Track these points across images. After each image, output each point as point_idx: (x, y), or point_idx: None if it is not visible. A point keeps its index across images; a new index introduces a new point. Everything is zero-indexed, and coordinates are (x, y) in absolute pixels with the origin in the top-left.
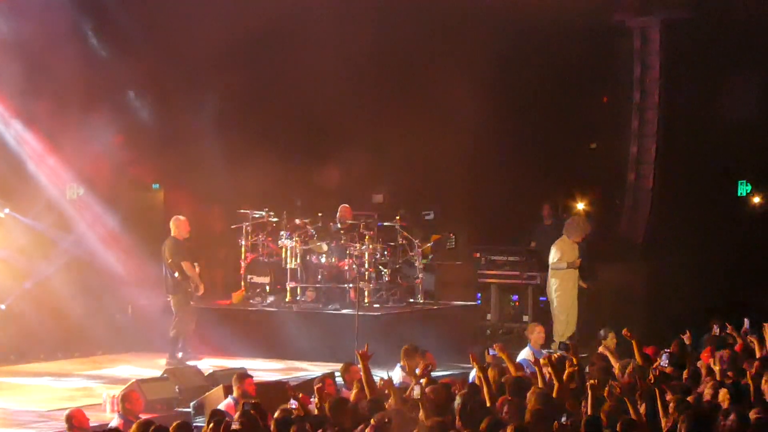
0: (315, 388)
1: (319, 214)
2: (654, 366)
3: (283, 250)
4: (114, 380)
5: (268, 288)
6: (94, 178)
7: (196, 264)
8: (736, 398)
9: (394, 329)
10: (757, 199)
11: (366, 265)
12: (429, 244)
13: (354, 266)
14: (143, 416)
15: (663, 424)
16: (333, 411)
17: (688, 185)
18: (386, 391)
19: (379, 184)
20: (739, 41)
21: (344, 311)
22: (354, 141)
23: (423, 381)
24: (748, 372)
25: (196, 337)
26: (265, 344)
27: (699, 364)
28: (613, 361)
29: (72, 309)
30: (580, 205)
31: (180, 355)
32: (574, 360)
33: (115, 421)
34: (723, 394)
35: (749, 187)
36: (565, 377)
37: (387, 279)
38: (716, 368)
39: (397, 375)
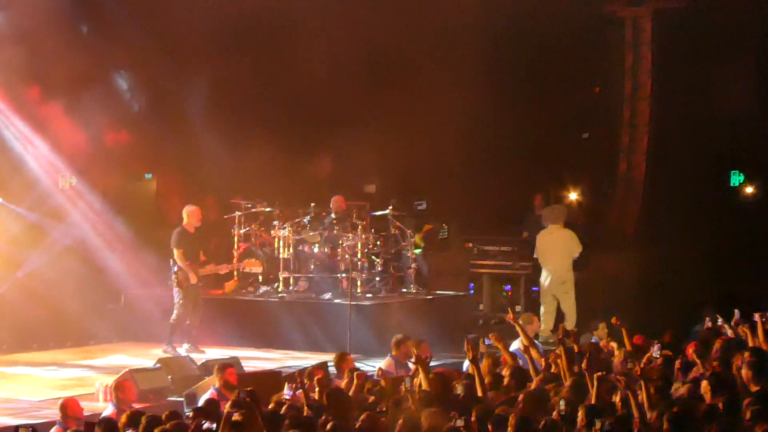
0: (315, 379)
1: (312, 204)
2: (646, 356)
3: (276, 239)
4: (107, 370)
5: (260, 278)
6: (86, 168)
7: (201, 252)
8: (720, 389)
9: (386, 319)
10: (749, 189)
11: (358, 255)
12: (421, 234)
13: (346, 256)
14: (136, 405)
15: (648, 417)
16: (330, 401)
17: (681, 175)
18: (381, 382)
19: (371, 174)
20: (732, 31)
21: (337, 301)
22: (346, 131)
23: (420, 371)
24: (734, 364)
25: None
26: (258, 334)
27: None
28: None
29: (64, 299)
30: (572, 195)
31: (186, 346)
32: (576, 348)
33: (108, 411)
34: (704, 386)
35: (742, 177)
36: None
37: (379, 269)
38: (698, 362)
39: (388, 366)
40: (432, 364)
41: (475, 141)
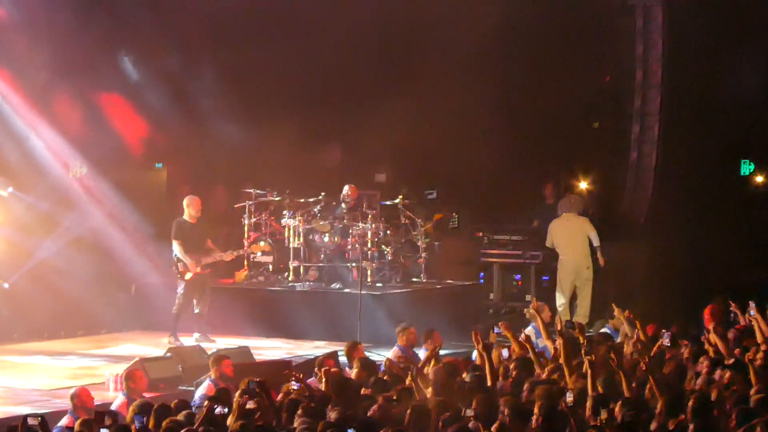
0: (322, 370)
1: (322, 194)
2: (656, 345)
3: (286, 229)
4: (117, 359)
5: (271, 267)
6: (97, 157)
7: (208, 240)
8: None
9: (396, 308)
10: (760, 178)
11: (369, 245)
12: (431, 223)
13: (357, 245)
14: (147, 395)
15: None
16: (337, 390)
17: (691, 164)
18: (391, 371)
19: (381, 164)
20: (742, 19)
21: (347, 290)
22: (357, 120)
23: (432, 361)
24: (746, 354)
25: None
26: (268, 323)
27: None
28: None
29: (75, 288)
30: (583, 184)
31: (196, 335)
32: (581, 339)
33: (118, 400)
34: (720, 374)
35: (752, 166)
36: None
37: (389, 258)
38: (716, 341)
39: (394, 355)
40: (442, 352)
41: (485, 130)
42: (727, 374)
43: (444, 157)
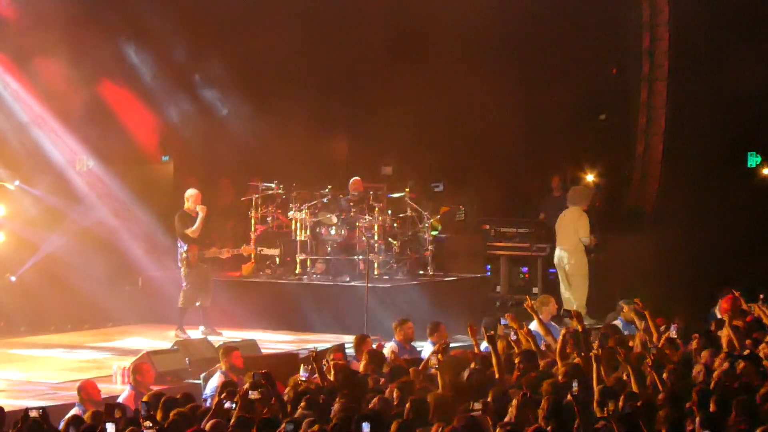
0: (325, 362)
1: (329, 186)
2: (663, 337)
3: (293, 222)
4: (124, 352)
5: (277, 260)
6: (104, 151)
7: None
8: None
9: (403, 301)
10: (766, 170)
11: (375, 237)
12: (438, 216)
13: (363, 238)
14: (153, 388)
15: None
16: (344, 382)
17: (698, 156)
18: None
19: (388, 156)
20: (749, 11)
21: (354, 283)
22: (363, 113)
23: (439, 354)
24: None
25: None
26: (275, 316)
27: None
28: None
29: (82, 281)
30: (589, 177)
31: (202, 328)
32: (580, 328)
33: (125, 393)
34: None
35: (759, 159)
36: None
37: (396, 251)
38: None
39: (391, 350)
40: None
41: (491, 122)
42: (741, 365)
43: (450, 150)
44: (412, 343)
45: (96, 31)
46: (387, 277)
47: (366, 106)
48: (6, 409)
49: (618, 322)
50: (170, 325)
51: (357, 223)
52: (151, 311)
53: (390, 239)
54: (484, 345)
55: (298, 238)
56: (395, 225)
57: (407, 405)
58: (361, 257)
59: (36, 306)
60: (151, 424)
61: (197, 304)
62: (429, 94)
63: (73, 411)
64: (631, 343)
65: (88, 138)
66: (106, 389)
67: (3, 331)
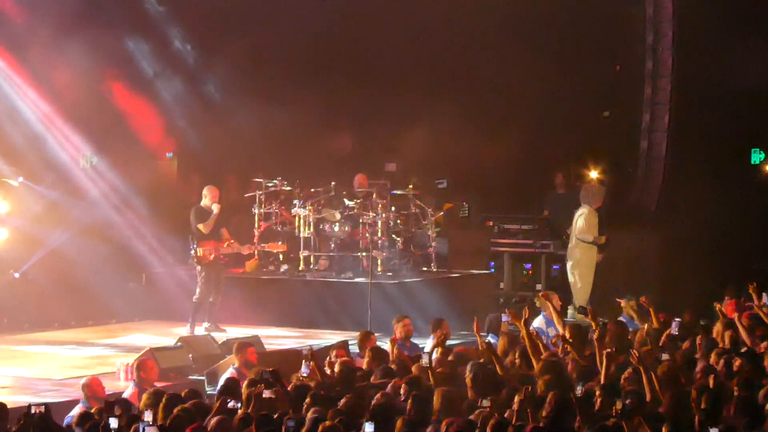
0: (326, 361)
1: (333, 183)
2: (665, 334)
3: (297, 218)
4: (128, 348)
5: (281, 257)
6: (107, 147)
7: (224, 230)
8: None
9: (406, 298)
10: None
11: (379, 234)
12: (442, 213)
13: (367, 235)
14: (157, 384)
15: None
16: (344, 379)
17: (702, 153)
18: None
19: (391, 153)
20: (753, 8)
21: (357, 280)
22: (367, 109)
23: (438, 350)
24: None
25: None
26: (279, 313)
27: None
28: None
29: (86, 277)
30: (593, 174)
31: (206, 324)
32: (593, 324)
33: (129, 390)
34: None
35: (762, 155)
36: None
37: (400, 247)
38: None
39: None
40: (453, 342)
41: (495, 118)
42: (738, 362)
43: (454, 147)
44: (417, 340)
45: (100, 27)
46: (390, 273)
47: (370, 103)
48: (9, 406)
49: (622, 319)
50: (174, 322)
51: (360, 220)
52: (154, 308)
53: (393, 236)
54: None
55: (301, 235)
56: (399, 221)
57: (410, 402)
58: (364, 254)
59: (39, 302)
60: (151, 420)
61: (210, 299)
62: (433, 91)
63: (78, 408)
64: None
65: (91, 134)
66: (109, 386)
67: (6, 327)
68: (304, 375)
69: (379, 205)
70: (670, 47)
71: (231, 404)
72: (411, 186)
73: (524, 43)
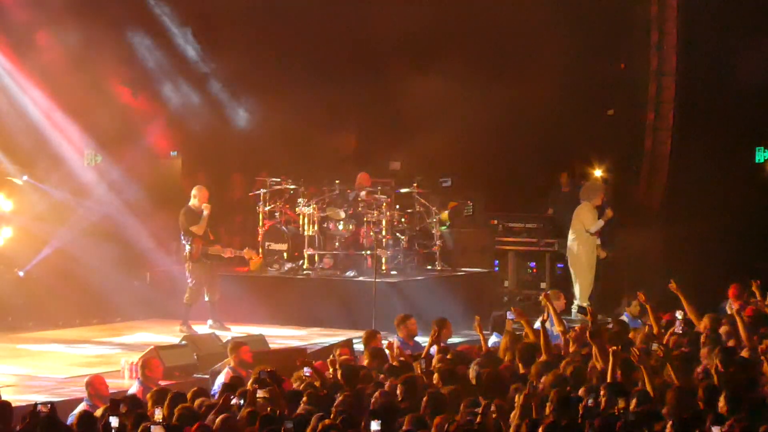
0: (329, 360)
1: (337, 181)
2: (669, 332)
3: (301, 217)
4: (132, 347)
5: (285, 255)
6: (112, 146)
7: (209, 231)
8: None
9: (411, 296)
10: None
11: (383, 232)
12: (446, 211)
13: (371, 233)
14: (162, 383)
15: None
16: (346, 378)
17: (706, 152)
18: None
19: (396, 151)
20: (758, 6)
21: (362, 278)
22: (371, 108)
23: (435, 348)
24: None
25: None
26: (283, 311)
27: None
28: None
29: (90, 276)
30: (598, 172)
31: (210, 323)
32: (591, 324)
33: (134, 388)
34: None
35: (767, 154)
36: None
37: (404, 246)
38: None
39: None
40: (456, 341)
41: (499, 118)
42: (739, 360)
43: (458, 145)
44: (419, 339)
45: (104, 24)
46: (395, 272)
47: (374, 102)
48: (14, 404)
49: (624, 318)
50: (178, 320)
51: (365, 218)
52: (159, 306)
53: (398, 234)
54: (492, 340)
55: (306, 233)
56: (403, 220)
57: (424, 399)
58: (368, 252)
59: (44, 301)
60: (161, 418)
61: (206, 299)
62: (437, 89)
63: (81, 406)
64: (631, 336)
65: (96, 133)
66: (114, 384)
67: (11, 325)
68: (306, 375)
69: (384, 204)
70: (674, 46)
71: (234, 401)
72: (415, 184)
73: (528, 42)
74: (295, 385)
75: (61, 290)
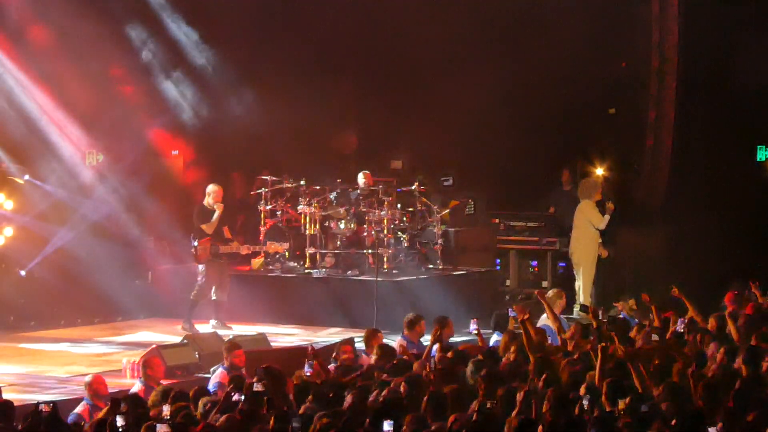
0: (334, 356)
1: (338, 180)
2: (670, 331)
3: (303, 216)
4: (134, 346)
5: (287, 254)
6: (113, 145)
7: (225, 229)
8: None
9: (412, 295)
10: None
11: (385, 231)
12: (448, 210)
13: (373, 232)
14: (163, 382)
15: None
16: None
17: (707, 150)
18: (404, 357)
19: (397, 150)
20: (759, 5)
21: (363, 277)
22: (373, 107)
23: (436, 347)
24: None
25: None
26: (285, 310)
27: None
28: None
29: (92, 275)
30: (599, 171)
31: (213, 322)
32: (594, 323)
33: (135, 387)
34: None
35: None
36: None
37: (406, 245)
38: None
39: (399, 345)
40: (458, 340)
41: (501, 116)
42: (740, 359)
43: (460, 144)
44: (422, 338)
45: (105, 22)
46: (396, 271)
47: (376, 101)
48: (15, 403)
49: (623, 316)
50: (180, 319)
51: (366, 217)
52: (161, 305)
53: (399, 233)
54: (494, 339)
55: (307, 232)
56: (405, 219)
57: (425, 399)
58: (370, 251)
59: (46, 300)
60: (168, 415)
61: (213, 298)
62: (438, 88)
63: (81, 406)
64: (632, 335)
65: (97, 132)
66: (115, 383)
67: (13, 325)
68: (307, 373)
69: (385, 203)
70: (675, 44)
71: (235, 397)
72: (417, 183)
73: (530, 41)
74: (296, 383)
75: (63, 289)
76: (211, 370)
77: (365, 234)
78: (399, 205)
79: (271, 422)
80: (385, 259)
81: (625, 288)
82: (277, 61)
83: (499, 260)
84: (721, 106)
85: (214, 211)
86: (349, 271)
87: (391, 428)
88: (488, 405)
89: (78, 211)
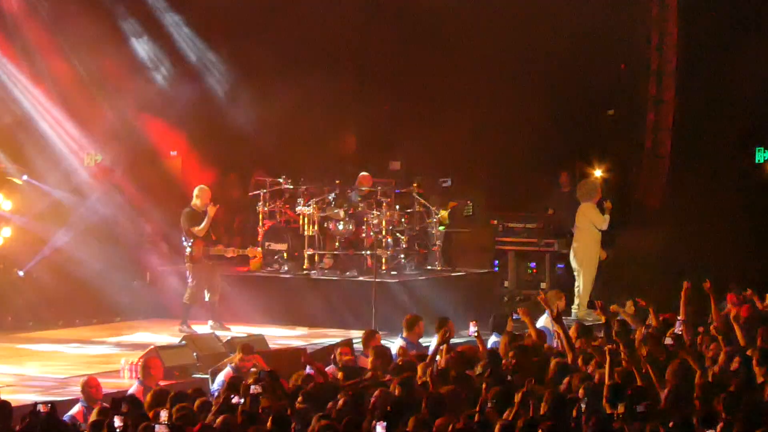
0: (331, 357)
1: (337, 181)
2: (669, 332)
3: (301, 217)
4: (132, 347)
5: (285, 255)
6: (112, 145)
7: (211, 232)
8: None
9: (411, 296)
10: None
11: (383, 232)
12: (446, 211)
13: (371, 233)
14: (162, 383)
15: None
16: (347, 378)
17: (706, 152)
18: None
19: (396, 151)
20: (757, 6)
21: (361, 278)
22: (371, 108)
23: (443, 348)
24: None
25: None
26: (283, 311)
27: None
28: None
29: (90, 276)
30: (598, 172)
31: (211, 323)
32: (603, 318)
33: (134, 388)
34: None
35: (767, 154)
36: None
37: (404, 246)
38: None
39: (398, 345)
40: (456, 341)
41: (500, 117)
42: (737, 361)
43: (459, 145)
44: (421, 339)
45: (103, 23)
46: (395, 272)
47: (375, 102)
48: (13, 404)
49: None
50: (178, 320)
51: (365, 218)
52: (159, 306)
53: (398, 234)
54: (492, 340)
55: (306, 233)
56: (403, 220)
57: (424, 400)
58: (368, 252)
59: (44, 301)
60: (166, 419)
61: (206, 299)
62: (437, 89)
63: (76, 408)
64: (631, 336)
65: (96, 133)
66: (113, 384)
67: (11, 325)
68: (308, 374)
69: (384, 204)
70: (674, 45)
71: (234, 400)
72: (415, 184)
73: (529, 42)
74: (291, 385)
75: (61, 290)
76: (209, 370)
77: (364, 235)
78: (398, 207)
79: (269, 423)
80: (383, 260)
81: (623, 289)
82: (276, 62)
83: (497, 261)
84: (719, 107)
85: (204, 213)
86: (348, 272)
87: (385, 431)
88: (490, 405)
89: (76, 212)
